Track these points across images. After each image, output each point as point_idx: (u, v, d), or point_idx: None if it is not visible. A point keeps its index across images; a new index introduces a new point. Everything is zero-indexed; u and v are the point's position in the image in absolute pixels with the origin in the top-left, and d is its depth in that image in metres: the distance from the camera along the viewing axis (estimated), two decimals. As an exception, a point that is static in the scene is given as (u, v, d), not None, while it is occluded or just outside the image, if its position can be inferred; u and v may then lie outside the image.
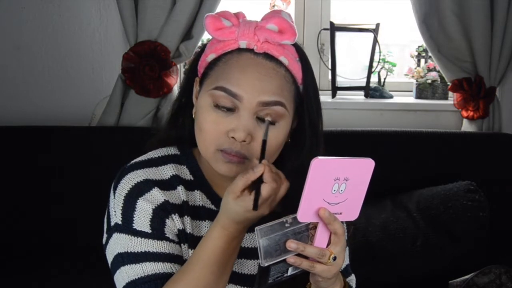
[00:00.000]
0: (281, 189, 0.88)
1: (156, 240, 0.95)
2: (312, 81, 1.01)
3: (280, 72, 0.96)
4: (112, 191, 1.00)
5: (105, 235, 1.00)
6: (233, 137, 0.93)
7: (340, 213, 0.86)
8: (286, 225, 0.85)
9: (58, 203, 2.00)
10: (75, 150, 2.06)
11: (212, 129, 0.94)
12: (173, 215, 0.97)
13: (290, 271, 0.88)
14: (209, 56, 0.98)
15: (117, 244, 0.96)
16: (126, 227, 0.95)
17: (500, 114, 2.29)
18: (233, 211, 0.87)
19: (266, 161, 0.88)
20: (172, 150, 1.04)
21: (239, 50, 0.96)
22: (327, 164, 0.81)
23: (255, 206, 0.85)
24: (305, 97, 1.00)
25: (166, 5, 2.10)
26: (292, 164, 0.99)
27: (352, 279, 1.15)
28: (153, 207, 0.95)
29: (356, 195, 0.86)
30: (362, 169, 0.84)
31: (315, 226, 0.87)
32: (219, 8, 2.14)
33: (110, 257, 0.98)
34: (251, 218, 0.88)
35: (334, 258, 0.86)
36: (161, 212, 0.96)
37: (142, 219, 0.95)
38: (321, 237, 0.86)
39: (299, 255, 0.85)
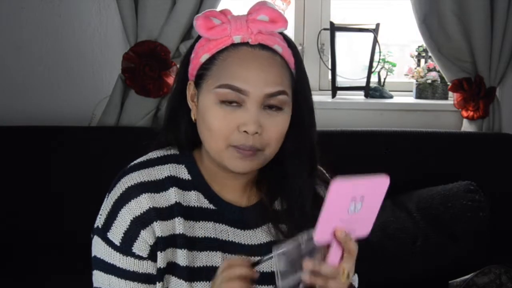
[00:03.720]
0: None
1: (121, 255, 0.97)
2: (301, 63, 1.03)
3: (277, 59, 0.98)
4: (108, 192, 1.02)
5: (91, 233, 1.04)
6: (245, 131, 0.94)
7: (354, 230, 0.87)
8: (302, 246, 0.86)
9: (58, 203, 2.00)
10: (75, 150, 2.06)
11: (222, 125, 0.95)
12: (154, 222, 0.97)
13: None
14: (202, 57, 0.98)
15: (94, 247, 1.00)
16: (103, 233, 0.98)
17: (500, 114, 2.28)
18: None
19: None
20: (172, 151, 1.05)
21: (234, 45, 0.97)
22: (346, 186, 0.82)
23: None
24: (299, 80, 1.02)
25: (166, 5, 2.10)
26: (292, 145, 1.01)
27: (355, 279, 1.15)
28: (132, 218, 0.97)
29: (370, 212, 0.86)
30: (378, 187, 0.85)
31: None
32: (219, 9, 2.14)
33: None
34: None
35: (348, 276, 0.87)
36: (139, 223, 0.97)
37: (118, 229, 0.97)
38: (334, 255, 0.87)
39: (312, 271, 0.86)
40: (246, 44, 0.96)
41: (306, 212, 1.02)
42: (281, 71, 0.97)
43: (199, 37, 1.01)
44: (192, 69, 1.01)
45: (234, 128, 0.94)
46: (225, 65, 0.96)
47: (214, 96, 0.95)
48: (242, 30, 0.96)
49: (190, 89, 1.02)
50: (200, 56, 0.99)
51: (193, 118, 1.01)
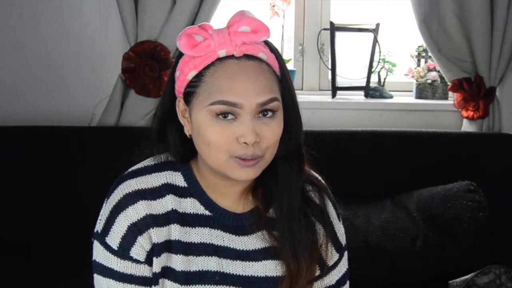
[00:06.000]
0: None
1: (119, 259, 0.99)
2: (285, 65, 1.04)
3: (263, 68, 0.98)
4: (106, 198, 1.04)
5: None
6: (245, 143, 0.94)
7: None
8: None
9: (58, 203, 2.00)
10: (75, 150, 2.05)
11: (221, 139, 0.95)
12: (151, 229, 1.00)
13: None
14: (189, 74, 0.98)
15: (94, 251, 1.03)
16: (102, 237, 1.01)
17: (500, 114, 2.29)
18: None
19: None
20: (169, 157, 1.06)
21: (220, 59, 0.97)
22: None
23: None
24: (284, 83, 1.02)
25: (166, 5, 2.10)
26: (282, 147, 1.02)
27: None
28: (129, 224, 0.99)
29: None
30: None
31: None
32: (219, 9, 2.14)
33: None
34: None
35: None
36: (136, 230, 0.99)
37: (116, 234, 0.99)
38: None
39: None
40: (231, 57, 0.96)
41: (294, 212, 1.03)
42: (269, 78, 0.98)
43: (180, 54, 1.01)
44: (180, 87, 1.01)
45: (233, 140, 0.95)
46: (214, 81, 0.95)
47: (208, 113, 0.95)
48: (226, 44, 0.96)
49: (180, 106, 1.02)
50: (187, 73, 0.98)
51: (187, 134, 1.02)
